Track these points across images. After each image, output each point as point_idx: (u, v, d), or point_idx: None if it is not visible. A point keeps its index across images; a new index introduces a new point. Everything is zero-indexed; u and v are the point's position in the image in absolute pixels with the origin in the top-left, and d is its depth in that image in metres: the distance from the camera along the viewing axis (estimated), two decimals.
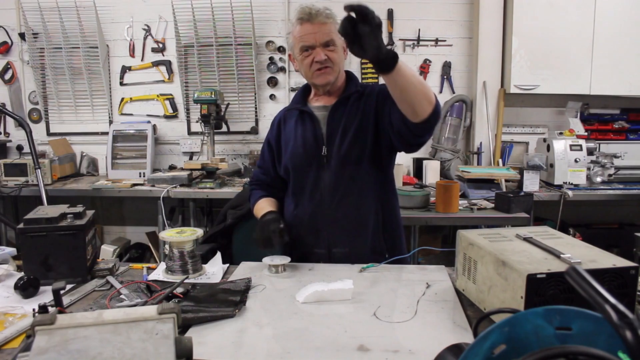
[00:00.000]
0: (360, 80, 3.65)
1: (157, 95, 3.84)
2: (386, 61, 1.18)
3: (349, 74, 1.69)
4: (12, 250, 1.60)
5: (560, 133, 3.30)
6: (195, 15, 3.62)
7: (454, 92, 3.73)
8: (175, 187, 3.19)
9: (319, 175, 1.60)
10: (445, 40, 3.70)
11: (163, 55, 3.80)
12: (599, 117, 3.75)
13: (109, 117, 3.86)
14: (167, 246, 1.49)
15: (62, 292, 1.10)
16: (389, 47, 3.65)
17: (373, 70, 3.66)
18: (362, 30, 1.09)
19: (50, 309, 1.08)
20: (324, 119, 1.62)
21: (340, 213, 1.59)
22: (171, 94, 3.84)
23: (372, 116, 1.58)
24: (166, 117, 3.86)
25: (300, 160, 1.62)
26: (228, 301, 1.21)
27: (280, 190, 1.76)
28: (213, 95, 3.33)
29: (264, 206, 1.68)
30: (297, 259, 1.58)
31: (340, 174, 1.58)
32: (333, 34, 1.53)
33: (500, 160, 3.58)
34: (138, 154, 3.59)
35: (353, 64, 3.70)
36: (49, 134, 3.90)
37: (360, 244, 1.61)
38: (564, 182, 3.16)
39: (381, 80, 3.65)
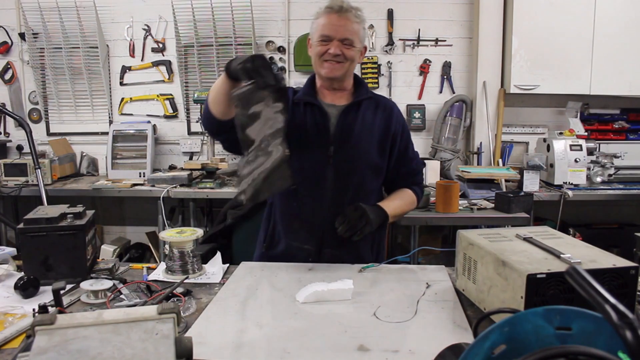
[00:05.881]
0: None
1: (157, 95, 3.84)
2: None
3: (358, 79, 1.69)
4: (12, 250, 1.60)
5: (560, 133, 3.30)
6: (195, 15, 3.62)
7: (454, 92, 3.73)
8: (175, 187, 3.19)
9: (323, 173, 1.57)
10: (445, 40, 3.70)
11: (163, 55, 3.80)
12: (599, 117, 3.75)
13: (109, 117, 3.86)
14: (167, 246, 1.49)
15: (62, 292, 1.10)
16: (388, 46, 3.65)
17: (373, 72, 3.67)
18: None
19: (50, 309, 1.08)
20: (334, 117, 1.60)
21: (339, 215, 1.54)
22: (171, 94, 3.83)
23: (389, 137, 1.62)
24: (166, 117, 3.86)
25: (306, 153, 1.57)
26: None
27: None
28: None
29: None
30: (283, 250, 1.61)
31: (346, 177, 1.57)
32: (355, 35, 1.53)
33: (500, 160, 3.58)
34: (138, 154, 3.59)
35: None
36: (49, 134, 3.90)
37: (350, 250, 1.59)
38: (564, 182, 3.16)
39: (381, 82, 3.67)
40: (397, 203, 1.66)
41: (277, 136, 1.31)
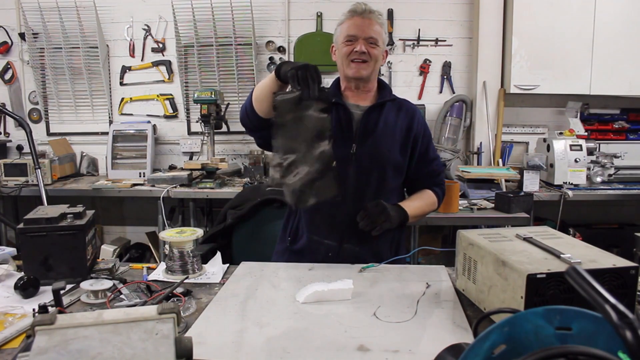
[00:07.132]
0: None
1: (157, 95, 3.84)
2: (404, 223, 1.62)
3: (381, 83, 1.73)
4: (12, 250, 1.60)
5: (560, 133, 3.30)
6: (195, 15, 3.62)
7: (454, 92, 3.73)
8: (175, 187, 3.18)
9: (345, 170, 1.59)
10: (445, 40, 3.70)
11: (163, 55, 3.80)
12: (599, 117, 3.75)
13: (109, 117, 3.86)
14: (167, 246, 1.49)
15: (62, 292, 1.10)
16: (389, 46, 3.65)
17: None
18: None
19: (50, 309, 1.08)
20: (357, 117, 1.63)
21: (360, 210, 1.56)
22: (171, 94, 3.83)
23: (411, 138, 1.66)
24: (166, 117, 3.86)
25: None
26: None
27: None
28: (213, 95, 3.33)
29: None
30: (305, 244, 1.62)
31: (367, 174, 1.60)
32: (379, 35, 1.60)
33: (500, 160, 3.58)
34: (138, 154, 3.59)
35: None
36: (49, 134, 3.89)
37: (370, 247, 1.61)
38: (564, 182, 3.16)
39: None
40: (418, 204, 1.70)
41: (319, 145, 1.32)
